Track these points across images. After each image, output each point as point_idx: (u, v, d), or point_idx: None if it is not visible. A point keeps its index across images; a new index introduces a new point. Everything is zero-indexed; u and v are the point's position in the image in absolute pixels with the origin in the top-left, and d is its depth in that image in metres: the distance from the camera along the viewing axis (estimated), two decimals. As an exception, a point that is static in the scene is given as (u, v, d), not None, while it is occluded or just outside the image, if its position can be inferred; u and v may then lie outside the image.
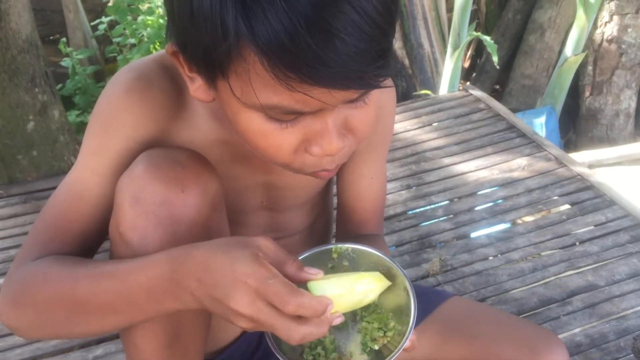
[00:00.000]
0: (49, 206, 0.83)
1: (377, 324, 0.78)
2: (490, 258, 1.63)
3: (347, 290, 0.70)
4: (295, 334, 0.63)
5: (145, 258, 0.70)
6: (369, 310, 0.79)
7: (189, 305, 0.67)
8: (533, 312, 1.45)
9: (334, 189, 1.06)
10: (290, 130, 0.66)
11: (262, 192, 0.94)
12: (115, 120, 0.80)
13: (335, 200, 1.04)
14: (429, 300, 1.02)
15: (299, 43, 0.55)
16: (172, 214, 0.73)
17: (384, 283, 0.75)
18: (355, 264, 0.80)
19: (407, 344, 0.73)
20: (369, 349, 0.77)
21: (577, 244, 1.66)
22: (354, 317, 0.80)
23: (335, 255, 0.80)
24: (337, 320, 0.68)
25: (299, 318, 0.63)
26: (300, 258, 0.77)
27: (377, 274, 0.76)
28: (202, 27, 0.58)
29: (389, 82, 0.64)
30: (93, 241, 0.83)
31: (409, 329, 0.73)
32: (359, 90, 0.63)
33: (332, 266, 0.80)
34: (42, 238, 0.81)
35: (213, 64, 0.61)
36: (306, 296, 0.62)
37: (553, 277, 1.55)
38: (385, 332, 0.77)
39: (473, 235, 1.73)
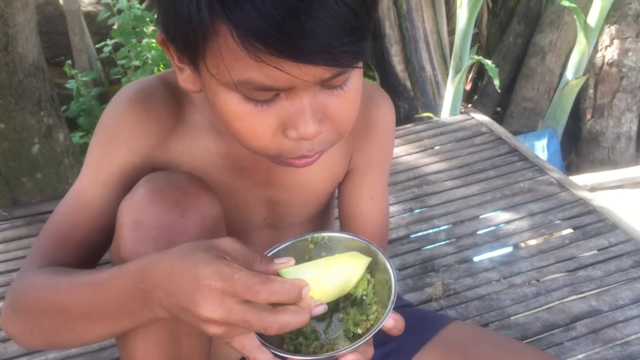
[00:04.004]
0: (55, 215, 0.85)
1: (359, 309, 0.75)
2: (493, 282, 1.63)
3: (324, 272, 0.68)
4: (272, 324, 0.60)
5: (118, 268, 0.70)
6: (350, 298, 0.77)
7: (161, 315, 0.66)
8: (536, 337, 1.45)
9: (336, 212, 1.06)
10: (266, 113, 0.66)
11: (264, 208, 0.95)
12: (116, 131, 0.82)
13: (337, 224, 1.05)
14: (430, 324, 1.02)
15: (265, 15, 0.56)
16: (173, 238, 0.74)
17: (363, 260, 0.73)
18: (332, 253, 0.77)
19: (390, 322, 0.72)
20: (352, 334, 0.74)
21: (580, 268, 1.66)
22: (336, 306, 0.77)
23: (311, 246, 0.78)
24: (319, 309, 0.66)
25: (275, 308, 0.61)
26: (277, 249, 0.76)
27: (353, 252, 0.73)
28: (180, 4, 0.61)
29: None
30: (95, 250, 0.85)
31: (388, 307, 0.71)
32: (330, 69, 0.63)
33: (309, 257, 0.78)
34: (45, 246, 0.83)
35: (191, 43, 0.63)
36: (277, 281, 0.61)
37: (556, 302, 1.55)
38: (367, 316, 0.74)
39: (476, 259, 1.73)
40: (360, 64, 0.67)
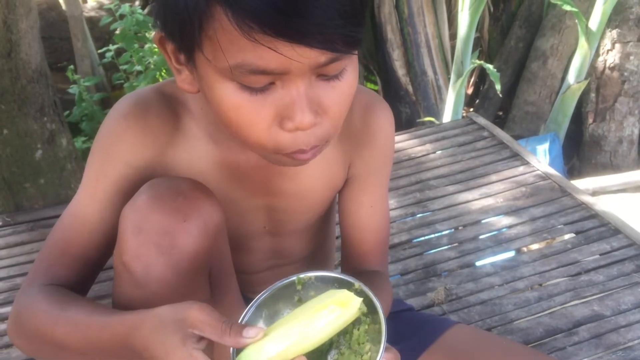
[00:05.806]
0: (54, 230, 0.86)
1: (352, 349, 0.75)
2: (496, 287, 1.63)
3: (302, 333, 0.68)
4: None
5: (109, 316, 0.73)
6: (346, 337, 0.77)
7: None
8: (539, 342, 1.45)
9: (337, 217, 1.06)
10: (262, 102, 0.66)
11: (263, 215, 0.95)
12: (113, 145, 0.83)
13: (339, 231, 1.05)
14: (432, 327, 1.02)
15: None
16: (174, 243, 0.75)
17: (353, 304, 0.71)
18: (321, 292, 0.77)
19: None
20: None
21: (583, 273, 1.66)
22: (330, 346, 0.77)
23: (299, 287, 0.77)
24: None
25: None
26: (263, 296, 0.75)
27: (342, 294, 0.72)
28: None
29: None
30: (94, 265, 0.86)
31: (380, 349, 0.71)
32: (324, 53, 0.63)
33: (299, 298, 0.77)
34: (46, 261, 0.85)
35: (188, 31, 0.63)
36: None
37: (559, 307, 1.55)
38: (362, 356, 0.74)
39: (478, 263, 1.72)
40: (355, 52, 0.66)
